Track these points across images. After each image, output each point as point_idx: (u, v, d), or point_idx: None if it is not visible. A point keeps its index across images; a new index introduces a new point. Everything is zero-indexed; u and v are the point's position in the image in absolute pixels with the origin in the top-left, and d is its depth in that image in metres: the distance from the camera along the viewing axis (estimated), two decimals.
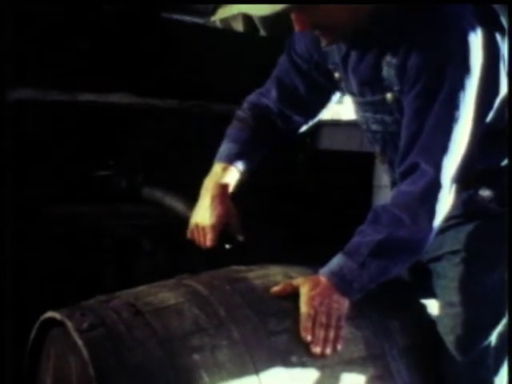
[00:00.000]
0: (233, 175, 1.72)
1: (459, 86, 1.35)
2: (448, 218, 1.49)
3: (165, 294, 1.39)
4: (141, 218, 2.46)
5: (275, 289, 1.45)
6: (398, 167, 1.46)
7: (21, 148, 2.16)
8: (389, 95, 1.46)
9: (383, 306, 1.54)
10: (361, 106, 1.58)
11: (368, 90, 1.52)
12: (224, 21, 3.42)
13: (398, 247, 1.41)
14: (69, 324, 1.27)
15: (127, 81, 2.48)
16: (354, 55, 1.50)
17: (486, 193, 1.53)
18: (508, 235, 1.46)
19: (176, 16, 2.69)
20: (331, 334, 1.40)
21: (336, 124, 3.05)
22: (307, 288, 1.43)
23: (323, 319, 1.39)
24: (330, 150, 2.95)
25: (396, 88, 1.44)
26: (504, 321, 1.51)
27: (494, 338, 1.52)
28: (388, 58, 1.42)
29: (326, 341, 1.39)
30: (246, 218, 1.77)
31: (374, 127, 1.59)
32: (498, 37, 1.40)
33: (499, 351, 1.52)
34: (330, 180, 2.78)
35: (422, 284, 1.65)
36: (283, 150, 2.64)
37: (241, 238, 1.68)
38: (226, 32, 3.19)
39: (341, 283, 1.42)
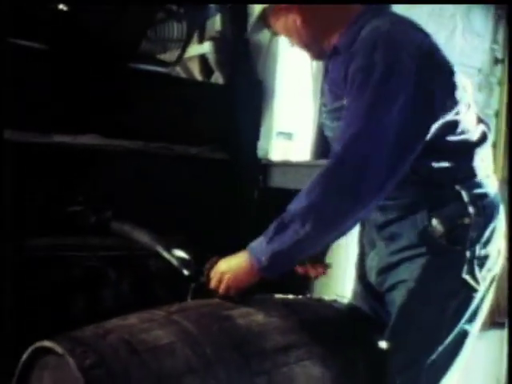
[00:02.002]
0: None
1: (378, 84, 1.45)
2: (404, 248, 1.60)
3: (157, 332, 1.45)
4: (107, 250, 2.56)
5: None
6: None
7: None
8: (345, 101, 1.57)
9: (350, 346, 1.67)
10: (326, 114, 1.71)
11: (332, 98, 1.66)
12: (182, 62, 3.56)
13: (298, 222, 1.48)
14: (71, 360, 1.33)
15: (97, 124, 2.59)
16: (329, 69, 1.69)
17: (437, 227, 1.55)
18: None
19: (142, 66, 2.83)
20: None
21: (286, 165, 3.22)
22: (223, 264, 1.63)
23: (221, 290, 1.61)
24: (280, 187, 3.10)
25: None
26: (437, 350, 1.57)
27: (426, 364, 1.58)
28: (345, 69, 1.57)
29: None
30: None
31: (330, 135, 1.72)
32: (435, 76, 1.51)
33: (430, 377, 1.61)
34: (279, 213, 2.91)
35: (383, 313, 1.73)
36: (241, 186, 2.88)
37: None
38: (186, 80, 3.34)
39: (250, 257, 1.57)
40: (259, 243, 1.56)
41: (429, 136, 1.53)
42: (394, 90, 1.45)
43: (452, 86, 1.55)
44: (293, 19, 1.63)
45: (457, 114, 1.56)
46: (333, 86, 1.67)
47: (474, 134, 1.62)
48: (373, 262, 1.76)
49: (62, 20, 2.59)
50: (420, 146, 1.50)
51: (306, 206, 1.48)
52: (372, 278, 1.78)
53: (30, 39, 2.55)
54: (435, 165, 1.58)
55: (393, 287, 1.66)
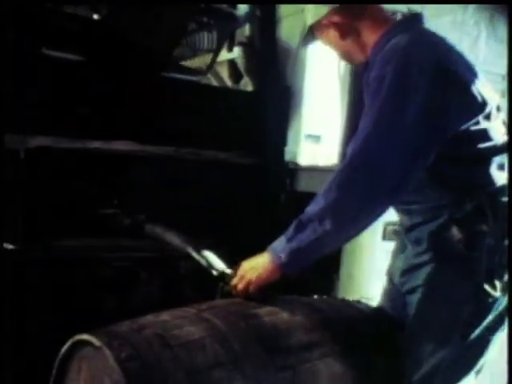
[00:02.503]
0: None
1: (390, 92, 1.54)
2: (424, 251, 1.64)
3: (188, 328, 1.52)
4: (139, 252, 2.63)
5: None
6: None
7: (37, 188, 2.42)
8: None
9: (371, 345, 1.72)
10: None
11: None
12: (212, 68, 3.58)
13: (316, 222, 1.56)
14: (108, 353, 1.40)
15: (129, 130, 2.68)
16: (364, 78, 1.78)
17: (455, 232, 1.58)
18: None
19: (174, 74, 2.94)
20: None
21: (313, 169, 3.28)
22: (247, 264, 1.72)
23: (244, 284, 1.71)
24: (306, 191, 3.13)
25: None
26: (451, 354, 1.60)
27: (441, 363, 1.61)
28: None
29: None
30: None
31: None
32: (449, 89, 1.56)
33: (446, 376, 1.63)
34: None
35: (404, 314, 1.74)
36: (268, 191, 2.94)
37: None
38: (215, 88, 3.41)
39: (271, 254, 1.67)
40: (280, 242, 1.66)
41: (448, 144, 1.58)
42: (402, 99, 1.53)
43: (470, 99, 1.59)
44: (333, 35, 1.75)
45: (477, 123, 1.60)
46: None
47: (497, 142, 1.64)
48: (399, 264, 1.81)
49: (95, 30, 2.70)
50: (432, 152, 1.56)
51: (324, 206, 1.55)
52: (396, 278, 1.82)
53: (65, 50, 2.68)
54: (456, 171, 1.62)
55: (412, 290, 1.70)
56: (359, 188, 1.53)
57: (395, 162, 1.52)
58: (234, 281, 1.77)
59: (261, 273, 1.70)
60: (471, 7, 3.04)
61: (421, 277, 1.67)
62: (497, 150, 1.64)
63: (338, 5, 1.70)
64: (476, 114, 1.60)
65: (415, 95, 1.52)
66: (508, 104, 1.59)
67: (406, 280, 1.72)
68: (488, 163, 1.62)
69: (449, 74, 1.58)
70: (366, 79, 1.72)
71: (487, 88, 1.66)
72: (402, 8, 2.40)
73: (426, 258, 1.66)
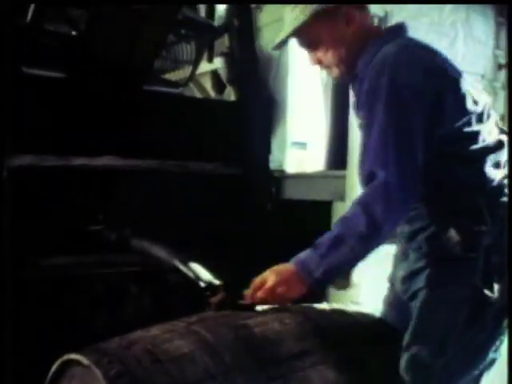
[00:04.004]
0: None
1: (392, 101, 1.56)
2: (423, 256, 1.65)
3: (178, 342, 1.51)
4: (128, 266, 2.64)
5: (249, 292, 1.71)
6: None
7: (22, 207, 2.40)
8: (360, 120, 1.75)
9: (364, 351, 1.70)
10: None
11: (358, 116, 1.80)
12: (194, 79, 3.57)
13: (354, 238, 1.57)
14: (97, 371, 1.39)
15: (113, 145, 2.69)
16: (352, 93, 1.82)
17: (453, 235, 1.57)
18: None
19: (155, 87, 2.93)
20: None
21: (299, 176, 3.28)
22: (273, 276, 1.66)
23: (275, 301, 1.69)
24: (293, 199, 3.16)
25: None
26: (449, 354, 1.58)
27: (437, 366, 1.59)
28: (358, 93, 1.73)
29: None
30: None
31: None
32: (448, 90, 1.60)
33: (444, 378, 1.61)
34: (293, 225, 2.93)
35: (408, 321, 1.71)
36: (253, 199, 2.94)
37: None
38: (197, 99, 3.44)
39: (302, 271, 1.62)
40: (311, 258, 1.63)
41: (442, 145, 1.61)
42: (403, 105, 1.56)
43: (461, 99, 1.61)
44: (319, 38, 1.74)
45: (468, 124, 1.62)
46: (355, 108, 1.80)
47: (490, 143, 1.65)
48: (401, 271, 1.80)
49: (74, 47, 2.69)
50: (426, 151, 1.59)
51: (366, 225, 1.56)
52: (398, 286, 1.82)
53: (46, 68, 2.67)
54: (451, 173, 1.63)
55: (414, 295, 1.70)
56: (397, 202, 1.57)
57: (411, 168, 1.57)
58: (252, 288, 1.72)
59: (291, 288, 1.67)
60: (448, 8, 3.08)
61: (420, 281, 1.67)
62: (490, 150, 1.65)
63: (322, 9, 1.69)
64: (468, 114, 1.62)
65: (415, 98, 1.56)
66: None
67: (408, 287, 1.71)
68: (483, 162, 1.63)
69: (442, 71, 1.62)
70: (357, 90, 1.74)
71: (477, 89, 1.69)
72: (379, 10, 2.42)
73: (425, 262, 1.66)
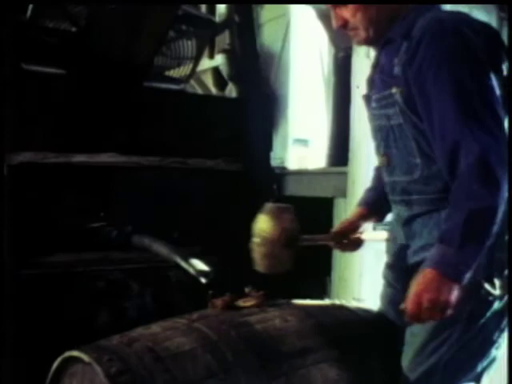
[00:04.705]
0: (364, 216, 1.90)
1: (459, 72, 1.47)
2: (424, 247, 1.59)
3: (179, 339, 1.50)
4: (129, 263, 2.65)
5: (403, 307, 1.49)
6: (436, 154, 1.53)
7: (23, 204, 2.42)
8: (394, 89, 1.58)
9: (366, 349, 1.68)
10: (374, 102, 1.70)
11: (382, 86, 1.65)
12: (195, 76, 3.57)
13: (483, 218, 1.42)
14: (98, 368, 1.38)
15: (114, 142, 2.69)
16: (380, 59, 1.69)
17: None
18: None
19: (156, 84, 2.92)
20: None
21: (300, 173, 3.29)
22: (415, 286, 1.45)
23: (427, 315, 1.45)
24: (295, 196, 3.15)
25: (401, 84, 1.56)
26: (444, 351, 1.55)
27: (440, 361, 1.56)
28: (398, 57, 1.58)
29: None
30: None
31: (379, 122, 1.69)
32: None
33: (445, 376, 1.58)
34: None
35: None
36: (255, 196, 2.93)
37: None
38: (198, 96, 3.44)
39: (448, 269, 1.43)
40: (448, 255, 1.45)
41: None
42: (479, 67, 1.49)
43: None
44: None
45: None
46: (383, 75, 1.67)
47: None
48: (397, 262, 1.76)
49: (74, 43, 2.68)
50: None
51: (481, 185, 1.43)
52: (394, 281, 1.79)
53: (46, 64, 2.67)
54: None
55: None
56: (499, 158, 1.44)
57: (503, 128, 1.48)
58: (410, 311, 1.50)
59: (442, 300, 1.45)
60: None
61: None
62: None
63: None
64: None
65: (490, 57, 1.50)
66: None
67: (407, 281, 1.59)
68: None
69: (499, 38, 1.58)
70: (390, 58, 1.63)
71: None
72: None
73: (425, 253, 1.57)
